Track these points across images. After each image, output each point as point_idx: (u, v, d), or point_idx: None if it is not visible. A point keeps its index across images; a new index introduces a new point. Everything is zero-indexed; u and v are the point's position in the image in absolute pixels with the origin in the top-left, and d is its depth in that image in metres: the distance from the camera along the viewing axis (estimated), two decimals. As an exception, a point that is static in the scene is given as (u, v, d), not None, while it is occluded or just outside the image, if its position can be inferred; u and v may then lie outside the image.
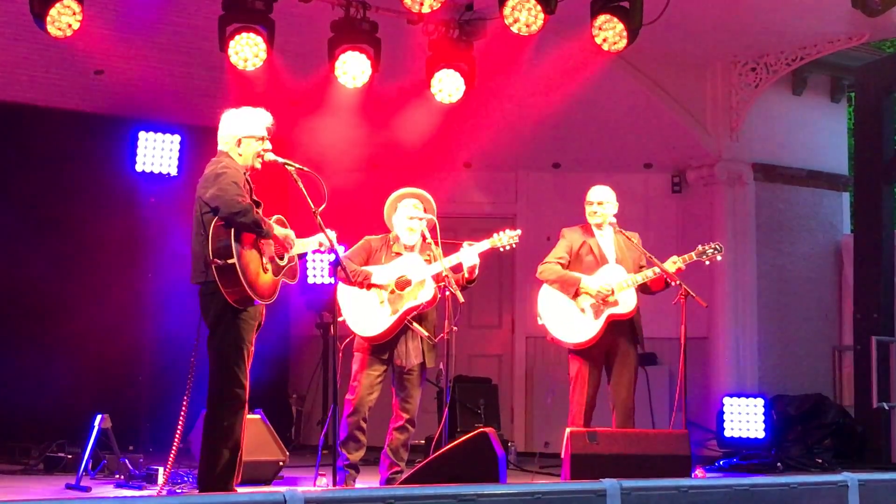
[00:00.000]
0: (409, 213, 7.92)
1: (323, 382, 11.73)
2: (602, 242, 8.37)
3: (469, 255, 7.79)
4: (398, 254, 7.91)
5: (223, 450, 6.52)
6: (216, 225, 6.44)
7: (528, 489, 4.53)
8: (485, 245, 7.89)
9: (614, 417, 8.24)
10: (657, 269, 8.15)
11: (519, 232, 8.05)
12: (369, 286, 7.75)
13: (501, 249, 8.04)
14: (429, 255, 7.92)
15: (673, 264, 8.14)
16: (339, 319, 7.74)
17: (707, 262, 8.43)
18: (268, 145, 6.83)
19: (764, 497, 5.09)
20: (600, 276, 8.22)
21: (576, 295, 8.17)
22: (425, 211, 7.94)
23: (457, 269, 7.75)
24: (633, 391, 8.28)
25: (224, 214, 6.41)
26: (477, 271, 7.83)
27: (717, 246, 8.32)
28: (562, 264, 8.32)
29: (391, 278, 7.81)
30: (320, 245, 7.07)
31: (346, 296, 7.79)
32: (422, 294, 7.82)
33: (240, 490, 6.58)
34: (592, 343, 8.17)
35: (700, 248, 8.29)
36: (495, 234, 7.98)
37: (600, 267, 8.26)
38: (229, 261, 6.38)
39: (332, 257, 7.28)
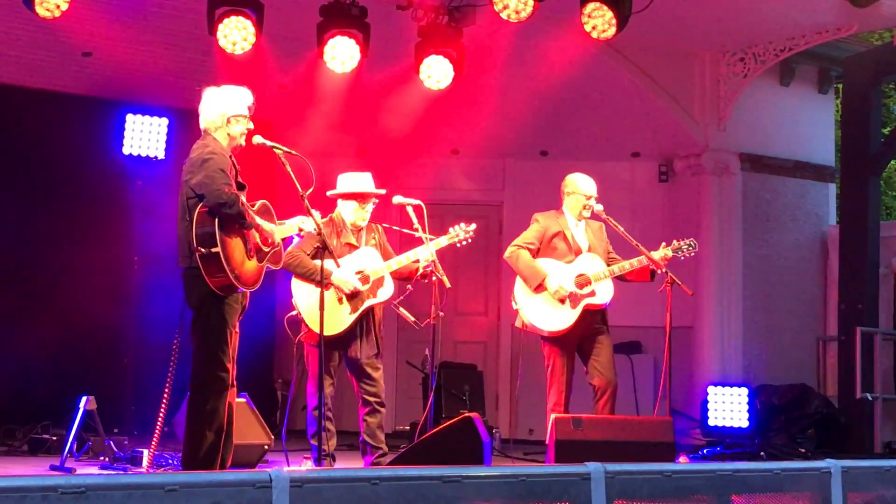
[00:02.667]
0: (367, 207, 7.88)
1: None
2: (575, 231, 8.39)
3: (426, 252, 7.78)
4: (349, 244, 7.78)
5: (207, 433, 6.51)
6: (200, 212, 6.37)
7: (513, 472, 4.53)
8: (442, 241, 7.86)
9: (598, 398, 8.22)
10: (633, 262, 8.21)
11: (474, 226, 8.06)
12: (328, 286, 7.48)
13: (458, 245, 8.04)
14: (374, 240, 7.91)
15: (650, 261, 8.17)
16: (293, 313, 7.70)
17: (682, 258, 8.45)
18: (251, 124, 6.80)
19: (747, 482, 5.10)
20: (578, 265, 8.25)
21: (538, 288, 8.19)
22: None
23: (413, 264, 7.78)
24: (613, 373, 8.28)
25: (210, 204, 6.33)
26: (431, 267, 7.75)
27: (690, 242, 8.35)
28: (531, 250, 8.32)
29: (351, 277, 7.70)
30: (300, 231, 7.04)
31: (302, 292, 7.66)
32: (381, 292, 7.79)
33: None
34: (567, 331, 8.21)
35: (676, 243, 8.32)
36: (451, 230, 7.98)
37: (574, 255, 8.29)
38: (213, 249, 6.31)
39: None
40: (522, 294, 8.28)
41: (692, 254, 8.41)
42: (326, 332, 7.21)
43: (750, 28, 11.52)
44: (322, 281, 6.85)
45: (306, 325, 7.65)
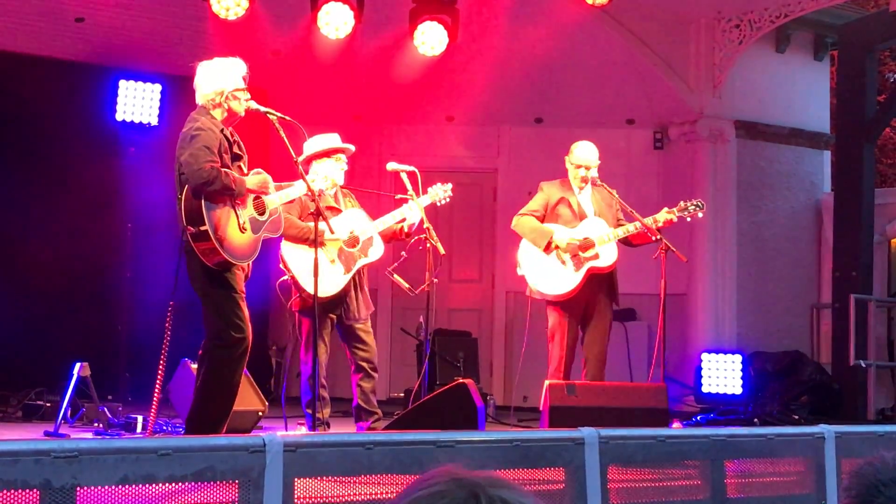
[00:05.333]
0: (341, 165, 7.83)
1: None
2: (581, 198, 8.38)
3: (412, 212, 7.77)
4: (331, 208, 7.66)
5: (219, 398, 6.51)
6: (187, 190, 6.37)
7: (506, 436, 4.55)
8: (424, 200, 7.83)
9: (586, 370, 8.26)
10: (638, 224, 8.18)
11: (450, 185, 8.08)
12: (322, 244, 7.39)
13: (438, 203, 8.05)
14: (352, 202, 7.89)
15: (654, 221, 8.18)
16: (285, 278, 7.68)
17: (688, 219, 8.44)
18: (248, 95, 6.76)
19: (741, 448, 5.12)
20: (582, 229, 8.24)
21: (547, 248, 8.19)
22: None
23: (398, 224, 7.77)
24: (606, 344, 8.32)
25: (192, 184, 6.32)
26: (416, 227, 7.77)
27: (698, 203, 8.35)
28: (536, 217, 8.33)
29: (342, 236, 7.67)
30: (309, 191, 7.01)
31: (293, 254, 7.61)
32: (372, 251, 7.78)
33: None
34: (572, 295, 8.20)
35: (682, 203, 8.32)
36: (430, 189, 7.97)
37: (579, 221, 8.28)
38: (202, 228, 6.31)
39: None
40: (526, 260, 8.29)
41: (700, 214, 8.41)
42: (321, 294, 7.14)
43: (746, -6, 11.48)
44: (316, 240, 6.85)
45: (298, 290, 7.62)
